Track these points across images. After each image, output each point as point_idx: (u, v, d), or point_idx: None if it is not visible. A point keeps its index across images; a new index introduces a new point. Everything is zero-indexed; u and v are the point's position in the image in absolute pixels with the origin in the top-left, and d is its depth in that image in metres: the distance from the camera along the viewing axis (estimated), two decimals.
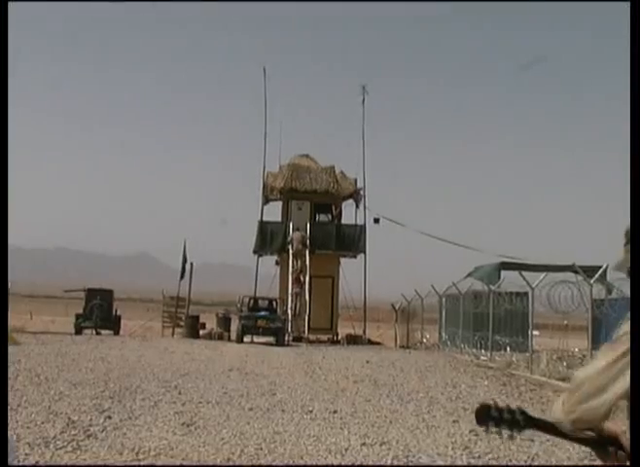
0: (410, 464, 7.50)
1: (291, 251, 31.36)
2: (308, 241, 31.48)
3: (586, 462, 7.90)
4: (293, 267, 31.18)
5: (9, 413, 9.49)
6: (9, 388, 11.84)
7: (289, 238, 31.70)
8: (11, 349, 18.82)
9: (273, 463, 7.37)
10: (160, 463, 7.22)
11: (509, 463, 7.79)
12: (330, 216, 34.14)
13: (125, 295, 67.52)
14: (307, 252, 31.30)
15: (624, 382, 2.24)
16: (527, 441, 8.99)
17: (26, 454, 7.32)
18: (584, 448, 8.60)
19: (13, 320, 28.93)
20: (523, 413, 2.51)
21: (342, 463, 7.44)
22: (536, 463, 7.80)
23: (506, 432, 2.49)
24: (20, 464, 6.44)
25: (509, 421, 2.49)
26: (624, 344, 2.22)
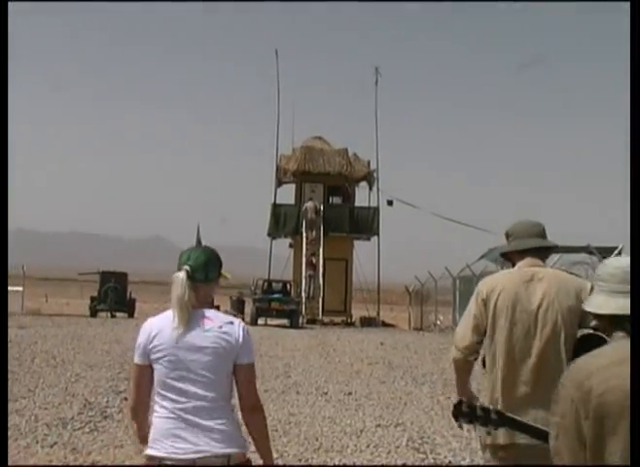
0: (425, 445, 7.51)
1: (305, 221, 31.38)
2: (322, 224, 31.45)
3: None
4: (307, 237, 31.15)
5: (27, 395, 9.59)
6: (26, 370, 11.96)
7: (303, 208, 31.75)
8: (27, 332, 18.97)
9: (289, 445, 7.40)
10: None
11: None
12: (343, 198, 34.05)
13: (140, 278, 67.76)
14: (321, 224, 31.25)
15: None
16: None
17: (45, 435, 7.40)
18: None
19: (28, 302, 29.21)
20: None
21: (358, 445, 7.46)
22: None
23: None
24: (20, 464, 6.50)
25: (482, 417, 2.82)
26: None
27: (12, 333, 18.24)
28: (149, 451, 3.02)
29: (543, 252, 3.70)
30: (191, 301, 3.01)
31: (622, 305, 2.17)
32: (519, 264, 3.62)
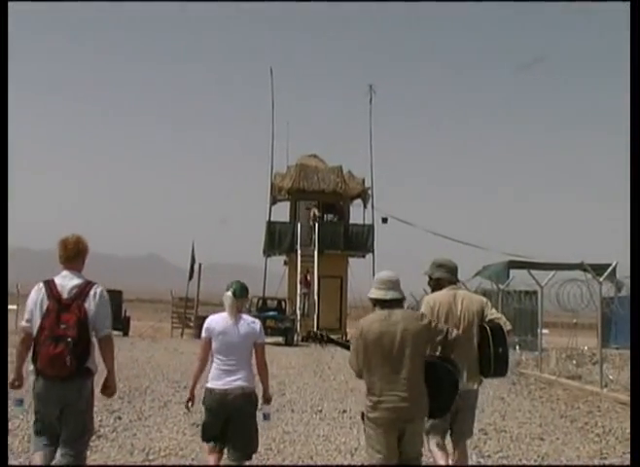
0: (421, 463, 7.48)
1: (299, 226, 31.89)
2: (317, 241, 31.47)
3: (595, 461, 7.88)
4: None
5: (19, 415, 9.52)
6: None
7: (311, 213, 32.08)
8: None
9: (283, 463, 7.38)
10: (170, 464, 7.24)
11: (519, 462, 7.77)
12: (338, 216, 34.09)
13: (134, 296, 67.55)
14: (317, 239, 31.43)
15: None
16: (537, 440, 8.97)
17: None
18: (594, 447, 8.53)
19: (23, 321, 29.02)
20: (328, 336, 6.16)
21: (352, 463, 7.44)
22: (545, 463, 7.78)
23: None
24: (19, 464, 6.46)
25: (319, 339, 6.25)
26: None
27: None
28: (207, 385, 5.71)
29: (456, 283, 6.30)
30: (236, 307, 5.76)
31: (379, 294, 5.09)
32: (446, 288, 6.07)
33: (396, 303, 5.08)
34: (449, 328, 5.21)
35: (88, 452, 7.41)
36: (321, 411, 10.78)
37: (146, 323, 33.31)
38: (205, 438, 5.77)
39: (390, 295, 5.05)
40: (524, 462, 7.78)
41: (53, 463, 5.14)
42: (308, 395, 12.43)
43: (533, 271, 19.05)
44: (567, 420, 10.63)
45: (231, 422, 5.64)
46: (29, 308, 5.36)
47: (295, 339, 27.45)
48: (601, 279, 15.61)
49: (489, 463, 7.71)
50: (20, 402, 5.87)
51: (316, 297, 30.58)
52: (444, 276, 6.07)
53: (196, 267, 31.52)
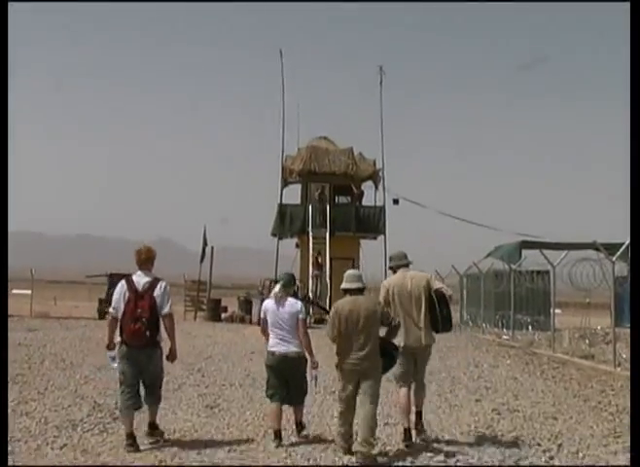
0: (434, 443, 7.52)
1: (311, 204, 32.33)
2: (328, 223, 31.46)
3: (610, 439, 7.89)
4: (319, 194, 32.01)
5: (37, 397, 9.65)
6: (35, 373, 12.02)
7: (314, 193, 32.35)
8: (36, 335, 19.04)
9: (297, 444, 7.43)
10: (184, 444, 7.30)
11: (532, 441, 7.79)
12: (349, 198, 34.01)
13: None
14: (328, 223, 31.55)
15: None
16: (550, 419, 8.99)
17: (55, 437, 7.44)
18: (607, 425, 8.53)
19: (37, 306, 29.29)
20: None
21: None
22: (559, 441, 7.80)
23: None
24: (19, 464, 6.51)
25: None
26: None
27: (21, 336, 18.32)
28: (269, 349, 7.54)
29: (407, 265, 8.05)
30: (282, 294, 7.53)
31: (347, 285, 7.24)
32: (399, 271, 7.98)
33: (358, 291, 7.19)
34: (393, 316, 7.25)
35: (105, 435, 7.57)
36: (334, 392, 10.79)
37: None
38: (268, 393, 7.61)
39: (355, 286, 7.19)
40: (538, 440, 7.79)
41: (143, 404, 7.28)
42: (321, 376, 12.41)
43: (545, 251, 18.99)
44: (580, 399, 10.64)
45: (290, 378, 7.51)
46: (115, 298, 7.18)
47: (307, 321, 27.48)
48: (614, 258, 15.53)
49: (503, 441, 7.72)
50: (113, 358, 7.30)
51: (328, 279, 30.59)
52: (393, 264, 8.13)
53: (208, 250, 31.57)
